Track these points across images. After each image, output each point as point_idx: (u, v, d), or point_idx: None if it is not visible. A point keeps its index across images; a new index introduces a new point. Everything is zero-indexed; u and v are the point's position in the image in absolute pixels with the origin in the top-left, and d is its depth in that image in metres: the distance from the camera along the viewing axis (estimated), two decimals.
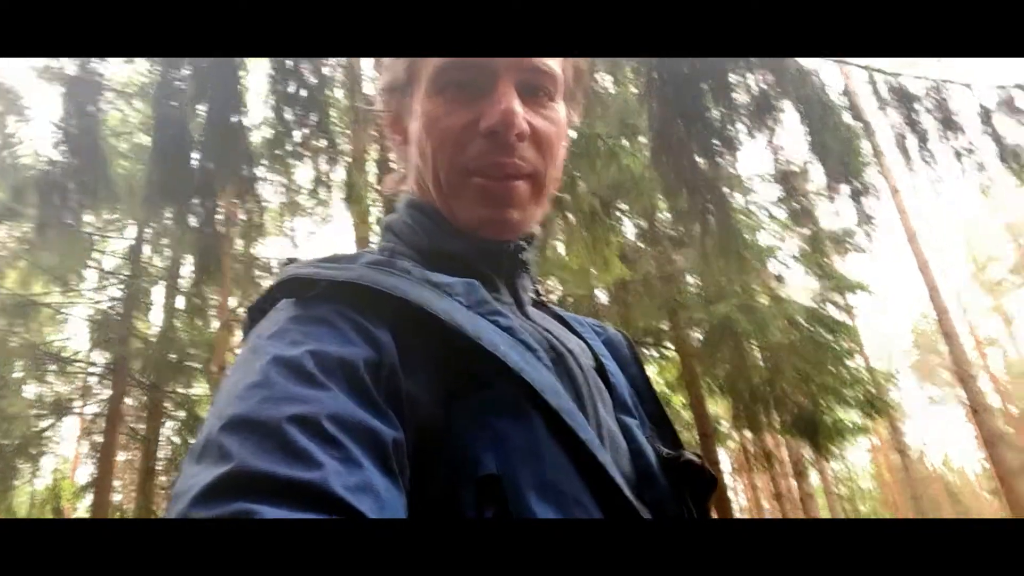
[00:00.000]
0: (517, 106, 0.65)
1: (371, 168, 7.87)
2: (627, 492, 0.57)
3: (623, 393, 0.73)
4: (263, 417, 0.46)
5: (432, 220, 0.71)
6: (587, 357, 0.73)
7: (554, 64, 0.70)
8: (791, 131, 4.53)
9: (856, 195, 4.63)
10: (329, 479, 0.43)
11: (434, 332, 0.56)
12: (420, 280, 0.61)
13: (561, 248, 7.98)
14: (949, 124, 4.56)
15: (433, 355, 0.57)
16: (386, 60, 0.77)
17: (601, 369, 0.74)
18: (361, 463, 0.46)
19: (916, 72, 4.73)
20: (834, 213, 11.08)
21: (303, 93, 4.86)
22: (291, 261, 0.67)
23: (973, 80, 4.51)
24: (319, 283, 0.59)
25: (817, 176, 4.81)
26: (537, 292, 0.81)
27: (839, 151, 4.44)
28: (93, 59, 4.50)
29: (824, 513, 19.97)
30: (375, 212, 8.25)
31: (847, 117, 4.61)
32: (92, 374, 10.48)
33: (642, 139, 7.70)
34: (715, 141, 4.44)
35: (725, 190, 4.92)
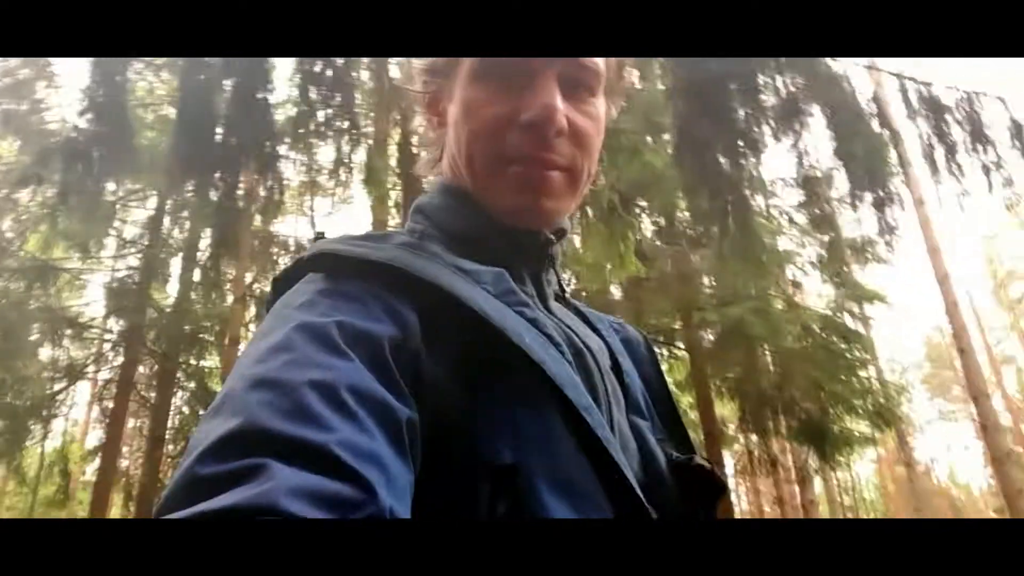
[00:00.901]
0: (558, 101, 0.65)
1: (392, 151, 7.87)
2: (639, 492, 0.57)
3: (636, 394, 0.73)
4: (283, 379, 0.47)
5: (464, 205, 0.71)
6: (605, 356, 0.73)
7: (599, 59, 0.69)
8: (817, 136, 4.48)
9: (879, 204, 4.58)
10: (338, 444, 0.43)
11: (460, 319, 0.56)
12: (450, 265, 0.61)
13: (577, 241, 7.96)
14: (979, 137, 4.49)
15: (458, 341, 0.56)
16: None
17: (617, 368, 0.73)
18: (373, 434, 0.46)
19: (949, 82, 4.66)
20: (856, 221, 11.00)
21: (329, 73, 4.86)
22: (320, 236, 0.67)
23: (1007, 93, 4.45)
24: (350, 260, 0.59)
25: (841, 183, 4.76)
26: (562, 287, 0.81)
27: (865, 158, 4.39)
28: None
29: None
30: (394, 196, 8.26)
31: (876, 125, 4.56)
32: (107, 341, 10.58)
33: (666, 136, 7.66)
34: (739, 142, 4.41)
35: (747, 192, 4.88)
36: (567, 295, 0.83)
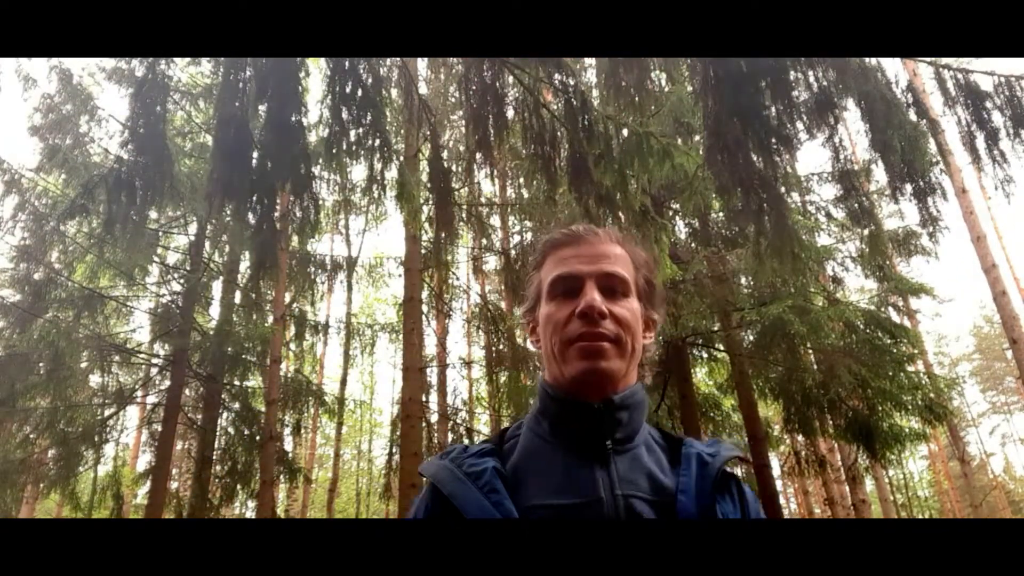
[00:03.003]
0: (597, 297, 0.99)
1: (423, 167, 7.94)
2: None
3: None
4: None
5: (545, 392, 1.03)
6: (655, 494, 0.93)
7: (624, 272, 1.04)
8: (853, 129, 4.40)
9: (920, 195, 4.48)
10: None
11: (449, 503, 0.93)
12: (460, 472, 0.95)
13: None
14: (1021, 122, 4.37)
15: (448, 514, 0.92)
16: (528, 289, 1.14)
17: (672, 503, 0.93)
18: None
19: (986, 67, 4.55)
20: (897, 214, 10.76)
21: (359, 93, 4.93)
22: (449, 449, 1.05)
23: None
24: (423, 475, 1.00)
25: (880, 175, 4.65)
26: (664, 436, 1.07)
27: (903, 150, 4.30)
28: (160, 61, 4.64)
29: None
30: (426, 210, 8.33)
31: (913, 115, 4.46)
32: (154, 365, 10.83)
33: (696, 138, 7.60)
34: (772, 139, 4.35)
35: (782, 189, 4.81)
36: (679, 438, 1.06)
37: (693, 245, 9.47)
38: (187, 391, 10.99)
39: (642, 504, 0.91)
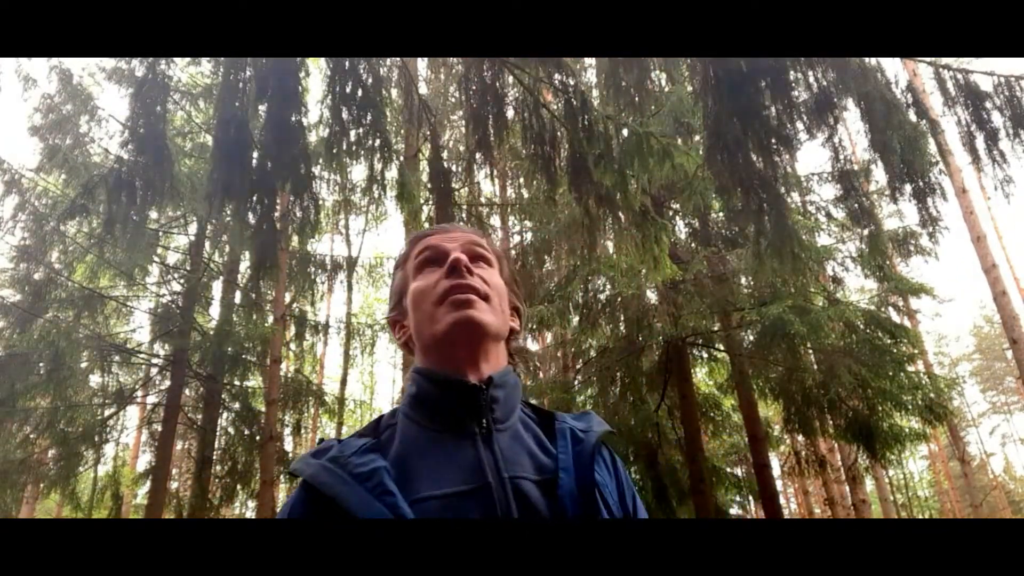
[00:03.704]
0: (464, 256, 1.02)
1: (423, 167, 7.94)
2: None
3: (565, 504, 0.91)
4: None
5: (417, 376, 1.02)
6: (538, 473, 0.94)
7: (487, 246, 1.11)
8: (853, 129, 4.40)
9: (920, 195, 4.48)
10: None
11: (332, 503, 0.87)
12: (345, 473, 0.90)
13: (611, 247, 7.93)
14: (1020, 122, 4.37)
15: (332, 512, 0.87)
16: (392, 286, 1.15)
17: (554, 481, 0.93)
18: None
19: (986, 67, 4.56)
20: (897, 214, 10.76)
21: (359, 93, 4.93)
22: (323, 439, 1.00)
23: None
24: (296, 474, 0.94)
25: (880, 176, 4.65)
26: (535, 411, 1.07)
27: (903, 150, 4.30)
28: (161, 61, 4.64)
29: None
30: (426, 210, 8.33)
31: (912, 115, 4.47)
32: (154, 365, 10.83)
33: (696, 138, 7.60)
34: (772, 139, 4.35)
35: (782, 189, 4.82)
36: (552, 414, 1.07)
37: (693, 245, 9.47)
38: (187, 391, 10.99)
39: (528, 485, 0.91)
